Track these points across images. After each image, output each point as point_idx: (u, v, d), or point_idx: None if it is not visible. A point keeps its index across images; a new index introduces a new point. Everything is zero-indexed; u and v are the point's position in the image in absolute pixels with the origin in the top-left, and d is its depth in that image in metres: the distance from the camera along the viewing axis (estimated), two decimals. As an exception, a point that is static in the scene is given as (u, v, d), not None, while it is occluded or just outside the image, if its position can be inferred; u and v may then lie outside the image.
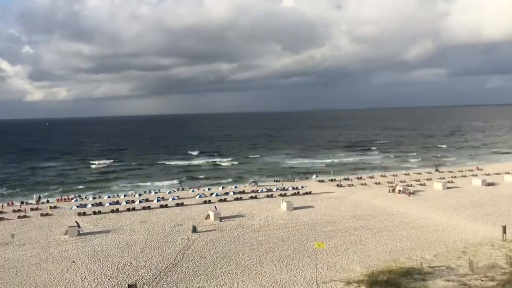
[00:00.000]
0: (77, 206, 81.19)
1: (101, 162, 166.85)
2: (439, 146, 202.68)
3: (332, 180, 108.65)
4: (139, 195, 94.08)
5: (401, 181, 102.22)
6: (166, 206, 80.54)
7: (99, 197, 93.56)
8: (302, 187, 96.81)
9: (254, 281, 42.92)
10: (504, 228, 53.78)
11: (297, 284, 41.81)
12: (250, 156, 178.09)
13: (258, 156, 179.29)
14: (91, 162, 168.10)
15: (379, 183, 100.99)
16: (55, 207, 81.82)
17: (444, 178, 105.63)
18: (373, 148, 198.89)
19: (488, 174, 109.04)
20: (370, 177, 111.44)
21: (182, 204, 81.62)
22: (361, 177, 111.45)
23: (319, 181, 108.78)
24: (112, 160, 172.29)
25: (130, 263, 49.21)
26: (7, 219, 72.83)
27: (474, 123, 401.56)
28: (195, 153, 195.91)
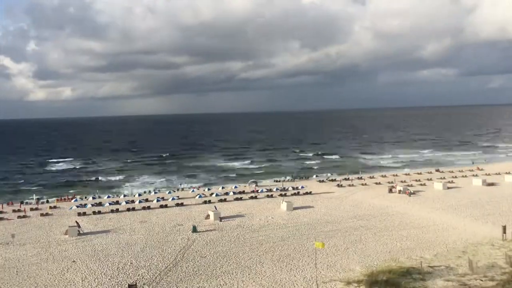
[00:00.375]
0: (77, 206, 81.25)
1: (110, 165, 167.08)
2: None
3: (332, 180, 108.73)
4: (139, 195, 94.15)
5: (401, 181, 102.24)
6: (166, 206, 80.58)
7: (99, 197, 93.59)
8: (302, 187, 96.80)
9: (254, 281, 42.94)
10: (504, 228, 53.81)
11: (297, 284, 41.82)
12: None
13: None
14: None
15: (379, 183, 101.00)
16: (55, 207, 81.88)
17: (444, 178, 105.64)
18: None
19: (489, 174, 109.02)
20: (370, 177, 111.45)
21: (182, 204, 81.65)
22: (361, 177, 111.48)
23: (319, 181, 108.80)
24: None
25: (130, 263, 49.24)
26: (7, 219, 72.90)
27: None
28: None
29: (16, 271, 47.55)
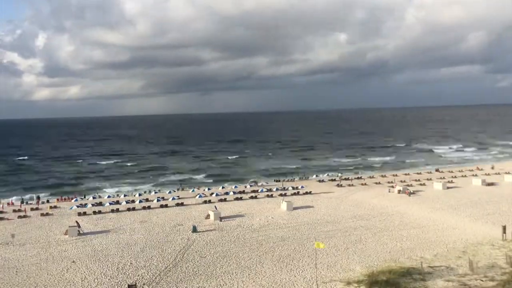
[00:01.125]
0: (77, 206, 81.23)
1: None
2: None
3: (332, 180, 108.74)
4: (139, 195, 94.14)
5: (401, 181, 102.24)
6: (166, 206, 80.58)
7: (99, 197, 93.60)
8: (302, 187, 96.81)
9: (254, 281, 42.93)
10: (504, 228, 53.81)
11: (297, 284, 41.82)
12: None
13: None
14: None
15: (379, 183, 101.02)
16: (55, 207, 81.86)
17: (444, 178, 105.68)
18: None
19: (488, 174, 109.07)
20: (370, 177, 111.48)
21: (182, 204, 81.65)
22: (361, 177, 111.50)
23: (319, 181, 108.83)
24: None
25: (130, 263, 49.24)
26: (7, 219, 72.88)
27: None
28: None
29: (16, 271, 47.53)
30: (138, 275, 45.54)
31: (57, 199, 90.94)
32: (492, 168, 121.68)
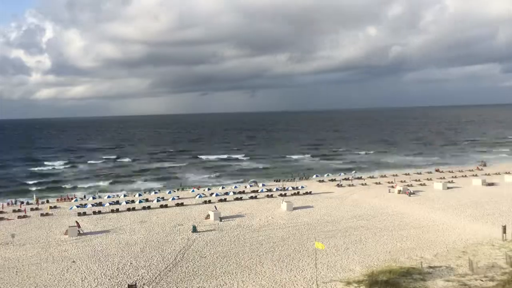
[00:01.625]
0: (77, 206, 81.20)
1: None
2: None
3: (332, 180, 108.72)
4: (139, 195, 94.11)
5: (401, 181, 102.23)
6: (166, 206, 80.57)
7: (99, 197, 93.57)
8: (302, 187, 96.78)
9: (254, 281, 42.93)
10: (504, 228, 53.82)
11: (297, 284, 41.81)
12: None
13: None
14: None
15: (379, 183, 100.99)
16: (55, 207, 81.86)
17: (444, 178, 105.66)
18: None
19: (488, 174, 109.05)
20: (370, 177, 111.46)
21: (182, 204, 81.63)
22: (361, 177, 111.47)
23: (319, 181, 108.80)
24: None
25: (130, 263, 49.23)
26: (7, 219, 72.88)
27: None
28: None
29: (16, 271, 47.53)
30: (138, 275, 45.54)
31: (57, 199, 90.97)
32: (483, 165, 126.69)
